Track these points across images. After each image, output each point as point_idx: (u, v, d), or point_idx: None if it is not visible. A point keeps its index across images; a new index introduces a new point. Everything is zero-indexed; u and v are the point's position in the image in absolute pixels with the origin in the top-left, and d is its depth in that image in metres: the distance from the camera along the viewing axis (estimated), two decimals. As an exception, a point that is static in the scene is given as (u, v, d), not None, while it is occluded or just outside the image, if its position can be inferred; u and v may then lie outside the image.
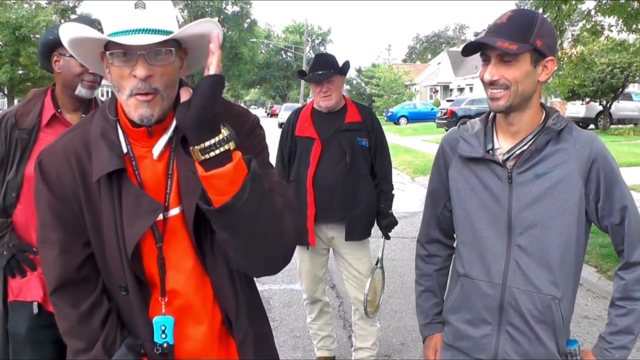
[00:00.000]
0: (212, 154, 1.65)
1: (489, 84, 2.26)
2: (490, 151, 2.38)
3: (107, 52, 1.82)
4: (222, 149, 1.65)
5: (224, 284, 1.99)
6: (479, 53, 2.29)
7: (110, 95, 2.04)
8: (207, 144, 1.64)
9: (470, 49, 2.31)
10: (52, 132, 3.14)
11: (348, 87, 65.78)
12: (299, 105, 52.80)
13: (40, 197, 1.96)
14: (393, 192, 4.83)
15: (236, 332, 2.03)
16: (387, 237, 4.85)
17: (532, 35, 2.19)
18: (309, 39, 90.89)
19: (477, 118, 2.51)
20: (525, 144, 2.33)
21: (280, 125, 46.40)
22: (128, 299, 1.96)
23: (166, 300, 1.98)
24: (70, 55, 3.11)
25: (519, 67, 2.21)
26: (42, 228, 1.97)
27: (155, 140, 1.93)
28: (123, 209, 1.90)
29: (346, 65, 4.68)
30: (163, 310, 1.98)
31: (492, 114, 2.44)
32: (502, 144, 2.39)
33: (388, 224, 4.77)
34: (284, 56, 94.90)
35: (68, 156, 1.94)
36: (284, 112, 47.69)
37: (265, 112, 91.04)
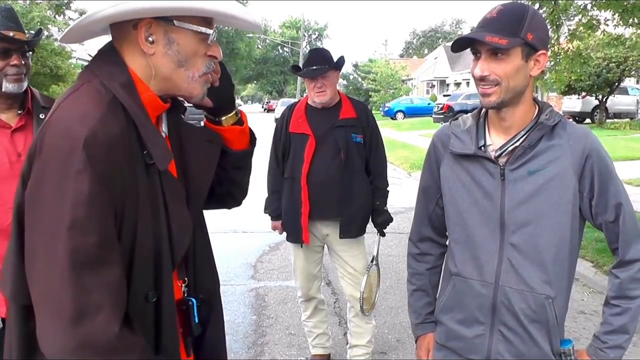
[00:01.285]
0: (238, 115, 2.15)
1: (480, 80, 2.21)
2: (483, 147, 2.34)
3: (193, 27, 1.76)
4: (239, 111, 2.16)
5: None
6: (469, 48, 2.25)
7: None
8: (236, 109, 2.13)
9: (459, 45, 2.27)
10: None
11: (345, 82, 65.77)
12: (296, 100, 53.34)
13: (95, 200, 1.55)
14: (388, 188, 4.80)
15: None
16: (383, 234, 4.81)
17: (522, 28, 2.15)
18: (306, 34, 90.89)
19: (469, 114, 2.47)
20: (518, 140, 2.28)
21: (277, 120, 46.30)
22: (152, 308, 1.76)
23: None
24: None
25: (510, 62, 2.16)
26: (100, 243, 1.55)
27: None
28: (169, 205, 1.79)
29: (341, 60, 4.63)
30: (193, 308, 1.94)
31: (484, 109, 2.40)
32: (495, 140, 2.35)
33: (383, 220, 4.74)
34: (281, 51, 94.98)
35: (119, 145, 1.63)
36: (281, 107, 47.58)
37: (262, 107, 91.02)
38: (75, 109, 1.63)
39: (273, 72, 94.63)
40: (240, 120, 2.15)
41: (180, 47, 1.76)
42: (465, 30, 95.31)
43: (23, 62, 2.98)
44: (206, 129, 2.07)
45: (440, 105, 35.66)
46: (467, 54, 2.29)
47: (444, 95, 44.67)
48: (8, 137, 2.98)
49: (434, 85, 68.18)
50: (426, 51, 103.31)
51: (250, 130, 2.21)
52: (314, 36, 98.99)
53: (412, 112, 48.04)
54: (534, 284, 2.26)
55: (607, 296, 2.34)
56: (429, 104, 48.94)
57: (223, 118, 2.10)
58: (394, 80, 60.22)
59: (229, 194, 2.25)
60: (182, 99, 1.95)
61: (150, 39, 1.73)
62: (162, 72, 1.77)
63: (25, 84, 3.01)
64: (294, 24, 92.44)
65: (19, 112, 3.05)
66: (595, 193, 2.25)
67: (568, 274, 2.33)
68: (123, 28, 1.73)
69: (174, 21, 1.72)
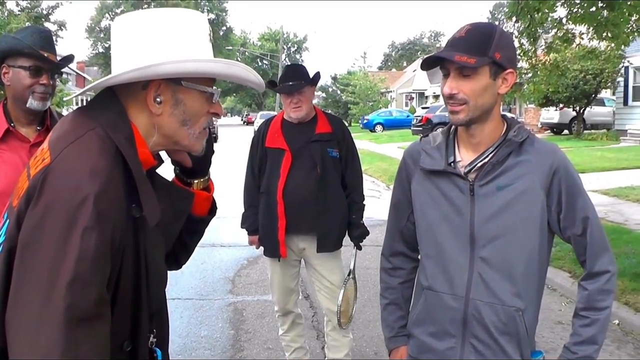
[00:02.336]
0: (208, 182, 2.16)
1: (449, 98, 2.25)
2: (452, 164, 2.38)
3: (200, 87, 1.80)
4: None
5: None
6: (439, 67, 2.29)
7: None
8: (209, 174, 2.14)
9: (429, 63, 2.31)
10: (7, 147, 3.09)
11: (324, 94, 65.79)
12: (275, 113, 53.13)
13: (100, 258, 1.54)
14: (364, 202, 4.82)
15: None
16: (359, 248, 4.84)
17: (490, 48, 2.19)
18: (285, 47, 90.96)
19: (439, 130, 2.50)
20: (487, 156, 2.33)
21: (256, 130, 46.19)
22: (126, 358, 1.75)
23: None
24: (20, 66, 3.06)
25: (478, 80, 2.21)
26: (98, 299, 1.53)
27: None
28: (149, 258, 1.78)
29: (317, 76, 4.67)
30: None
31: (453, 126, 2.44)
32: (464, 157, 2.39)
33: (360, 234, 4.77)
34: (260, 64, 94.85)
35: (122, 201, 1.65)
36: (260, 120, 47.56)
37: (242, 120, 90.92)
38: (84, 161, 1.59)
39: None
40: (208, 187, 2.15)
41: (187, 108, 1.79)
42: (444, 43, 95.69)
43: (51, 83, 3.16)
44: (177, 187, 2.07)
45: (419, 118, 35.81)
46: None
47: (423, 108, 44.96)
48: (26, 150, 3.13)
49: (413, 98, 68.44)
50: (405, 64, 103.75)
51: (213, 200, 2.20)
52: (293, 49, 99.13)
53: (391, 125, 48.17)
54: (504, 297, 2.29)
55: (576, 308, 2.39)
56: (407, 116, 49.13)
57: (195, 181, 2.10)
58: (372, 93, 60.29)
59: (174, 255, 2.15)
60: None
61: (158, 99, 1.75)
62: (165, 131, 1.80)
63: (48, 103, 3.19)
64: (273, 36, 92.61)
65: (38, 128, 3.21)
66: (563, 207, 2.30)
67: (538, 287, 2.37)
68: (131, 86, 1.74)
69: (182, 82, 1.75)
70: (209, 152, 2.04)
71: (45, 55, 3.10)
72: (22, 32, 3.23)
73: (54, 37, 3.29)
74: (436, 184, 2.41)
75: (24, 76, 3.06)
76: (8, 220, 1.67)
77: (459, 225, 2.35)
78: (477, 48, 2.19)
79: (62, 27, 30.05)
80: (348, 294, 4.69)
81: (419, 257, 2.61)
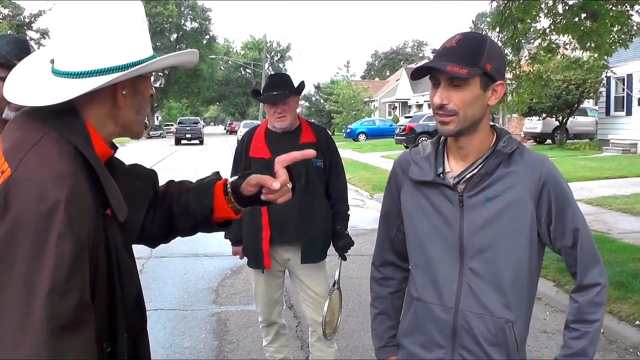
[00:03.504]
0: None
1: (438, 108, 2.23)
2: (441, 174, 2.36)
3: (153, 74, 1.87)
4: None
5: None
6: (429, 77, 2.27)
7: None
8: None
9: (420, 73, 2.29)
10: None
11: (307, 103, 65.93)
12: (258, 122, 52.84)
13: (76, 263, 1.51)
14: (349, 212, 4.80)
15: None
16: (344, 258, 4.81)
17: (482, 59, 2.18)
18: (268, 56, 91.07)
19: (429, 140, 2.48)
20: (476, 167, 2.31)
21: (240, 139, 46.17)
22: (107, 359, 1.73)
23: None
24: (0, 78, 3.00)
25: (469, 91, 2.19)
26: (79, 305, 1.50)
27: None
28: (119, 255, 1.76)
29: (301, 85, 4.65)
30: None
31: (442, 137, 2.43)
32: (453, 167, 2.37)
33: (344, 244, 4.73)
34: (243, 73, 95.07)
35: (90, 202, 1.61)
36: (243, 129, 47.67)
37: (225, 129, 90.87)
38: (47, 166, 1.55)
39: (235, 94, 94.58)
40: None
41: (142, 96, 1.83)
42: (427, 52, 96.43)
43: None
44: (136, 168, 2.05)
45: (403, 127, 35.90)
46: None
47: (406, 117, 45.05)
48: None
49: (396, 107, 68.71)
50: (388, 73, 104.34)
51: (231, 221, 2.20)
52: (276, 57, 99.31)
53: (374, 134, 48.32)
54: (494, 308, 2.28)
55: (567, 320, 2.37)
56: (390, 125, 49.30)
57: (239, 206, 2.17)
58: (356, 102, 60.48)
59: (166, 230, 2.17)
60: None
61: (123, 92, 1.75)
62: (122, 121, 1.80)
63: None
64: (256, 45, 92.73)
65: None
66: (553, 219, 2.28)
67: (528, 298, 2.35)
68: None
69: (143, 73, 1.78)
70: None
71: None
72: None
73: (36, 46, 3.21)
74: (425, 194, 2.39)
75: (0, 87, 2.98)
76: None
77: (448, 236, 2.33)
78: (469, 58, 2.17)
79: (45, 36, 29.97)
80: (333, 304, 4.66)
81: (409, 267, 2.58)
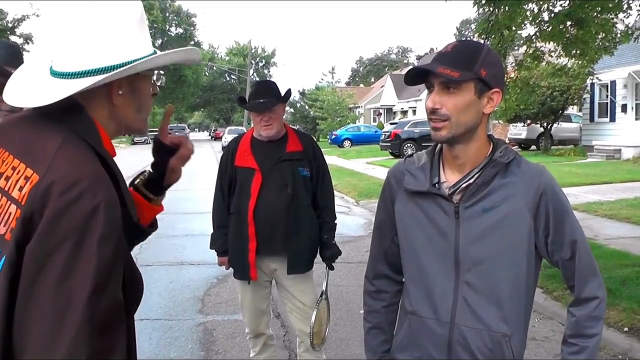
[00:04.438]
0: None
1: (431, 113, 2.19)
2: (437, 185, 2.31)
3: (151, 72, 1.88)
4: None
5: None
6: (424, 82, 2.23)
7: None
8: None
9: (412, 77, 2.25)
10: None
11: (292, 110, 65.97)
12: (243, 128, 52.74)
13: (117, 264, 1.55)
14: (336, 222, 4.75)
15: None
16: (331, 268, 4.75)
17: (476, 64, 2.14)
18: (253, 62, 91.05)
19: (424, 150, 2.43)
20: (472, 177, 2.26)
21: (224, 148, 46.17)
22: None
23: None
24: None
25: (462, 96, 2.15)
26: (116, 305, 1.54)
27: None
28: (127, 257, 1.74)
29: (288, 93, 4.60)
30: None
31: (438, 146, 2.38)
32: (449, 177, 2.32)
33: (331, 254, 4.68)
34: (228, 79, 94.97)
35: (117, 202, 1.61)
36: (228, 135, 47.88)
37: (209, 135, 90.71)
38: (78, 169, 1.55)
39: (220, 100, 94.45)
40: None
41: (141, 95, 1.84)
42: (411, 59, 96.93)
43: None
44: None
45: (388, 133, 35.91)
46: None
47: (391, 123, 45.17)
48: None
49: (381, 113, 68.80)
50: (372, 79, 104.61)
51: (155, 217, 2.19)
52: (261, 63, 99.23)
53: (359, 140, 48.34)
54: (490, 322, 2.23)
55: (565, 334, 2.32)
56: (376, 131, 49.34)
57: (158, 197, 2.16)
58: (341, 108, 60.58)
59: None
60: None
61: (120, 91, 1.76)
62: (122, 120, 1.82)
63: None
64: (241, 51, 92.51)
65: None
66: (551, 231, 2.24)
67: (525, 311, 2.31)
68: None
69: (141, 72, 1.78)
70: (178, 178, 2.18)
71: (12, 71, 2.94)
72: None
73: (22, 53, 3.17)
74: (420, 205, 2.34)
75: None
76: (4, 256, 1.54)
77: (443, 248, 2.28)
78: (462, 63, 2.14)
79: (28, 41, 29.81)
80: (321, 315, 4.60)
81: (404, 280, 2.53)
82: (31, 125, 1.69)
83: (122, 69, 1.68)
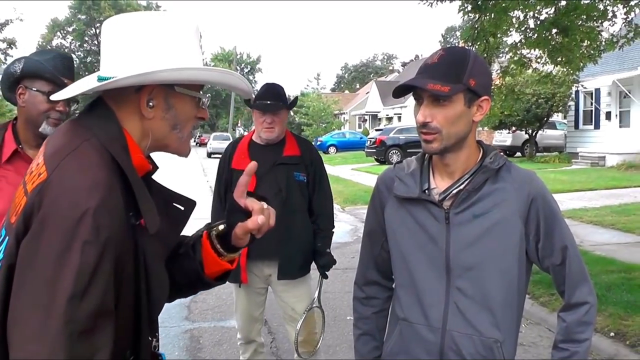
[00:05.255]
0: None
1: (421, 126, 2.19)
2: (427, 191, 2.31)
3: (191, 92, 1.83)
4: None
5: None
6: (412, 94, 2.23)
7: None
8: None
9: (401, 91, 2.25)
10: (13, 168, 2.99)
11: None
12: (228, 134, 52.29)
13: (100, 272, 1.51)
14: (333, 230, 4.71)
15: None
16: (325, 277, 4.70)
17: (465, 74, 2.14)
18: (238, 68, 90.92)
19: (414, 157, 2.43)
20: (462, 183, 2.27)
21: (209, 154, 46.08)
22: None
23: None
24: (38, 90, 3.00)
25: (453, 108, 2.15)
26: (98, 312, 1.51)
27: None
28: (149, 265, 1.74)
29: (295, 100, 4.63)
30: None
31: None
32: (439, 184, 2.32)
33: (325, 263, 4.62)
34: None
35: (121, 212, 1.61)
36: (213, 142, 47.82)
37: (194, 141, 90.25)
38: (82, 173, 1.57)
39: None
40: (233, 260, 2.08)
41: (177, 112, 1.81)
42: (396, 66, 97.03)
43: (67, 110, 3.09)
44: (177, 194, 1.99)
45: (373, 140, 35.94)
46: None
47: (376, 130, 45.19)
48: None
49: (366, 120, 68.84)
50: (358, 85, 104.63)
51: (224, 275, 2.11)
52: (246, 70, 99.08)
53: (344, 146, 48.37)
54: (482, 328, 2.23)
55: (555, 340, 2.33)
56: (361, 138, 49.38)
57: (231, 255, 2.04)
58: (326, 114, 60.62)
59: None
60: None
61: (150, 103, 1.76)
62: (155, 135, 1.81)
63: None
64: (226, 57, 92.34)
65: None
66: (542, 236, 2.25)
67: (516, 317, 2.32)
68: (122, 90, 1.73)
69: (175, 87, 1.77)
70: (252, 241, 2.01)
71: (66, 82, 3.00)
72: (44, 54, 3.16)
73: (2, 55, 3.22)
74: (410, 211, 2.34)
75: (41, 101, 3.00)
76: (7, 237, 1.64)
77: (434, 255, 2.28)
78: (451, 75, 2.13)
79: (12, 45, 29.58)
80: (309, 323, 4.56)
81: (394, 286, 2.52)
82: (70, 128, 1.73)
83: (133, 74, 1.67)
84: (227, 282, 4.62)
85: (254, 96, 4.22)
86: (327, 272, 4.70)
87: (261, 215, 1.87)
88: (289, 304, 4.62)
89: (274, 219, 1.93)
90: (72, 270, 1.46)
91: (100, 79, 1.74)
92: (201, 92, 1.87)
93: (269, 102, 4.45)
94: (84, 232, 1.48)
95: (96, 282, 1.50)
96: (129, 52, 1.73)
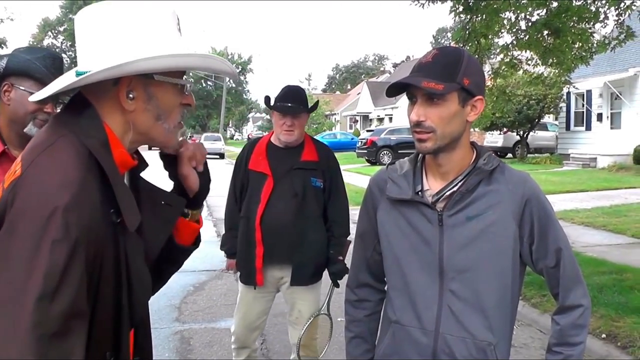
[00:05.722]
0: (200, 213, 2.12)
1: (415, 125, 2.16)
2: (420, 192, 2.29)
3: (172, 80, 1.76)
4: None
5: None
6: (405, 93, 2.20)
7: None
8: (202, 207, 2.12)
9: (395, 89, 2.23)
10: (1, 170, 2.85)
11: (268, 117, 65.84)
12: (219, 135, 52.11)
13: (70, 272, 1.45)
14: (348, 238, 4.56)
15: None
16: (336, 285, 4.57)
17: (459, 73, 2.12)
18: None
19: (407, 158, 2.41)
20: (456, 184, 2.24)
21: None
22: None
23: None
24: (26, 90, 2.88)
25: (446, 107, 2.13)
26: (69, 313, 1.45)
27: None
28: (130, 264, 1.70)
29: (316, 104, 4.60)
30: None
31: (421, 154, 2.35)
32: (432, 185, 2.30)
33: (337, 271, 4.51)
34: (204, 85, 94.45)
35: (97, 209, 1.57)
36: (204, 142, 47.57)
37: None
38: (54, 170, 1.53)
39: (196, 106, 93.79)
40: (199, 219, 2.10)
41: (160, 102, 1.75)
42: (388, 67, 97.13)
43: (55, 112, 2.96)
44: (166, 192, 1.95)
45: (364, 140, 35.95)
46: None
47: (368, 131, 45.22)
48: None
49: (357, 120, 68.91)
50: (349, 86, 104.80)
51: (199, 233, 2.13)
52: (237, 70, 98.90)
53: (335, 147, 47.87)
54: (475, 331, 2.21)
55: (549, 343, 2.31)
56: (352, 138, 49.39)
57: (191, 212, 2.05)
58: (317, 115, 60.60)
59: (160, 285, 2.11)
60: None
61: (130, 95, 1.70)
62: (139, 128, 1.75)
63: None
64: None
65: None
66: (536, 238, 2.23)
67: (510, 319, 2.30)
68: (101, 84, 1.66)
69: (154, 76, 1.71)
70: (207, 184, 2.03)
71: None
72: (35, 52, 3.04)
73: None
74: (403, 213, 2.31)
75: (28, 102, 2.84)
76: None
77: (427, 257, 2.26)
78: (445, 74, 2.11)
79: (2, 45, 29.52)
80: (313, 328, 4.50)
81: (386, 288, 2.50)
82: (49, 125, 1.69)
83: (106, 67, 1.61)
84: (239, 283, 4.58)
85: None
86: (338, 281, 4.53)
87: (189, 142, 1.95)
88: (296, 306, 4.57)
89: (203, 147, 2.01)
90: (40, 270, 1.41)
91: (77, 74, 1.69)
92: (184, 78, 1.82)
93: (289, 104, 4.40)
94: (54, 231, 1.44)
95: (67, 282, 1.44)
96: (102, 44, 1.68)
